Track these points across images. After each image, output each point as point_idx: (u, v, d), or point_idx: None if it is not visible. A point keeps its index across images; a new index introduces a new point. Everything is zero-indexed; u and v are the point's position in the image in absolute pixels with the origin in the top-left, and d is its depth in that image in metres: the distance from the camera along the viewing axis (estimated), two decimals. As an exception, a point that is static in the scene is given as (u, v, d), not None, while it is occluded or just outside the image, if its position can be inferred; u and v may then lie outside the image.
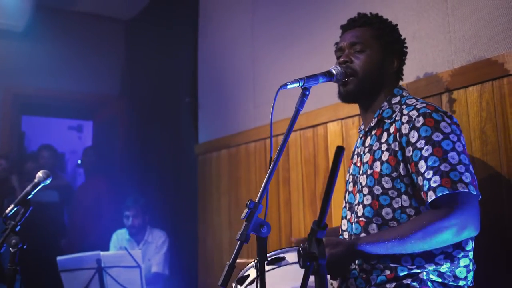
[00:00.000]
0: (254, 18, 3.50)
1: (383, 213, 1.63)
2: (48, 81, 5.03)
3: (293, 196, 2.98)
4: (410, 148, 1.59)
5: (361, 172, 1.76)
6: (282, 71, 3.17)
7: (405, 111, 1.66)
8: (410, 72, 2.20)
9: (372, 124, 1.77)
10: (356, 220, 1.72)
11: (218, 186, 3.76)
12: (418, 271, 1.57)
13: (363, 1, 2.58)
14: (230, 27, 3.78)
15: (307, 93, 1.61)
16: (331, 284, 1.72)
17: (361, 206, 1.70)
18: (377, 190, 1.65)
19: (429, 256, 1.57)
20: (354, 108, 2.44)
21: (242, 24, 3.62)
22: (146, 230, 3.88)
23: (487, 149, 1.92)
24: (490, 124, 1.92)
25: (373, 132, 1.77)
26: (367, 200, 1.68)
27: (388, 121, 1.72)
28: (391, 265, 1.59)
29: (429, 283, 1.56)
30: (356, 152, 1.88)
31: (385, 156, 1.66)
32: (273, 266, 1.63)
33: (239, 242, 1.35)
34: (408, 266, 1.57)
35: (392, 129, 1.68)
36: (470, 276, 1.62)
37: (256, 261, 1.79)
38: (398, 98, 1.76)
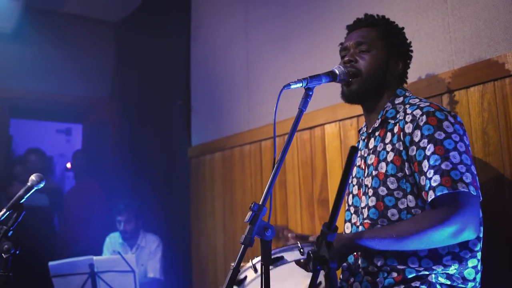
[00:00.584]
0: (248, 19, 3.47)
1: (389, 214, 1.61)
2: (37, 84, 4.93)
3: (290, 199, 2.94)
4: (414, 147, 1.58)
5: (366, 174, 1.74)
6: (276, 72, 3.14)
7: (408, 111, 1.65)
8: (411, 73, 2.17)
9: (376, 125, 1.76)
10: (361, 222, 1.70)
11: (212, 189, 3.71)
12: (427, 273, 1.55)
13: (360, 3, 2.56)
14: (224, 28, 3.74)
15: (310, 93, 1.60)
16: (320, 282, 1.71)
17: (366, 208, 1.68)
18: (382, 191, 1.63)
19: (436, 257, 1.55)
20: (352, 110, 2.42)
21: (236, 25, 3.58)
22: (139, 235, 3.82)
23: (489, 150, 1.91)
24: (492, 124, 1.91)
25: (377, 133, 1.75)
26: (372, 201, 1.66)
27: (392, 121, 1.70)
28: (399, 267, 1.56)
29: (438, 286, 1.54)
30: (359, 154, 1.86)
31: (390, 157, 1.64)
32: (272, 267, 1.62)
33: (243, 245, 1.32)
34: (416, 268, 1.55)
35: (396, 129, 1.66)
36: (478, 277, 1.61)
37: (253, 264, 1.78)
38: (401, 98, 1.75)
